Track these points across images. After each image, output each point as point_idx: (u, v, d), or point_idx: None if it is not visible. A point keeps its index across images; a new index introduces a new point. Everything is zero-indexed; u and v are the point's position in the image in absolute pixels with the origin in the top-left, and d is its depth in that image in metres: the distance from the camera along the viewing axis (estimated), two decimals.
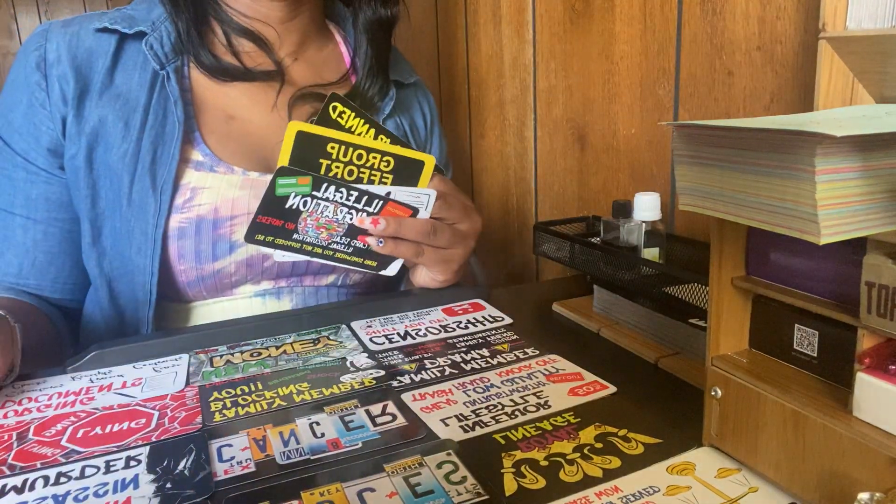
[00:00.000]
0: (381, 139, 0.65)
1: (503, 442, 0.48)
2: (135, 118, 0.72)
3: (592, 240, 0.80)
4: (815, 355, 0.41)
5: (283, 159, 0.61)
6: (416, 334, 0.68)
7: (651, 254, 0.73)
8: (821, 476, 0.37)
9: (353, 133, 0.63)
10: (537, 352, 0.63)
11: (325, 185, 0.62)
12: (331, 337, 0.68)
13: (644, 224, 0.72)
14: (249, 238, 0.63)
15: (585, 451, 0.46)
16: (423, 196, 0.65)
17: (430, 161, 0.65)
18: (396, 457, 0.46)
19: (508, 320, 0.72)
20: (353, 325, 0.71)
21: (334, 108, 0.63)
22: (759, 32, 0.71)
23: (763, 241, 0.43)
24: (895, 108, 0.43)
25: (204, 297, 0.76)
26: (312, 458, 0.46)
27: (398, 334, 0.68)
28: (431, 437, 0.48)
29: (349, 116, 0.63)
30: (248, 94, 0.79)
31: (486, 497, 0.41)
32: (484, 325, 0.71)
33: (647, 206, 0.72)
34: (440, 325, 0.70)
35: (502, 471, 0.44)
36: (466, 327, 0.70)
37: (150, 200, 0.70)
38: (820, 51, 0.45)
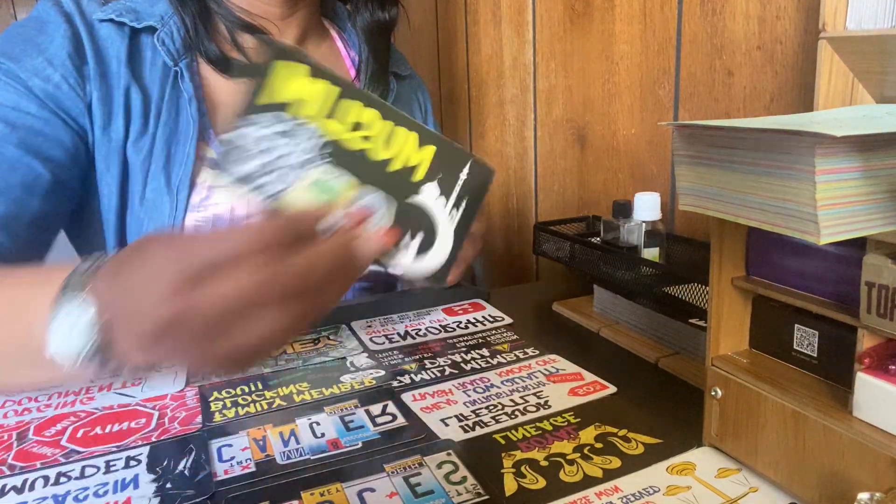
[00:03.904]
0: None
1: (503, 442, 0.48)
2: (150, 114, 0.71)
3: (592, 240, 0.79)
4: (815, 355, 0.41)
5: None
6: (416, 334, 0.68)
7: (651, 254, 0.73)
8: (821, 476, 0.37)
9: None
10: (537, 352, 0.63)
11: None
12: (331, 337, 0.68)
13: (644, 224, 0.72)
14: None
15: (585, 451, 0.46)
16: None
17: None
18: (396, 457, 0.46)
19: (508, 320, 0.72)
20: (353, 325, 0.71)
21: None
22: (759, 32, 0.71)
23: (763, 241, 0.43)
24: (895, 108, 0.43)
25: None
26: (312, 458, 0.46)
27: (398, 334, 0.68)
28: (431, 437, 0.48)
29: None
30: None
31: (486, 497, 0.41)
32: (484, 325, 0.71)
33: (647, 206, 0.72)
34: (440, 325, 0.70)
35: (502, 471, 0.44)
36: (466, 327, 0.70)
37: (165, 199, 0.70)
38: (820, 51, 0.45)
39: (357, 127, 0.40)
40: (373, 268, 0.58)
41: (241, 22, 0.77)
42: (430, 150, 0.42)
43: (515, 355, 0.63)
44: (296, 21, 0.81)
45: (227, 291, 0.33)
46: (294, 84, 0.39)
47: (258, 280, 0.34)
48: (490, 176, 0.45)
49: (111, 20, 0.71)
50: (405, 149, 0.42)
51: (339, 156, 0.40)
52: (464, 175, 0.43)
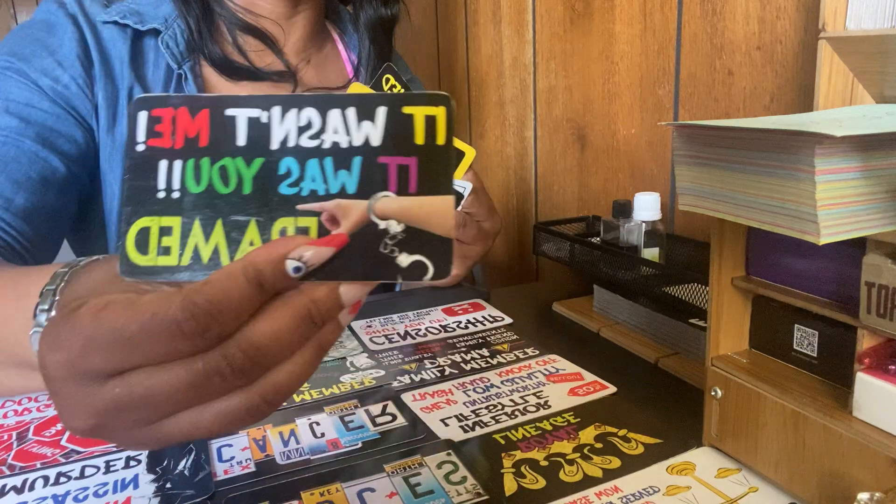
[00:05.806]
0: None
1: (503, 442, 0.48)
2: None
3: (592, 240, 0.79)
4: (815, 355, 0.41)
5: None
6: (416, 334, 0.68)
7: (651, 254, 0.73)
8: (821, 476, 0.37)
9: None
10: (537, 352, 0.63)
11: None
12: None
13: (644, 224, 0.72)
14: None
15: (585, 451, 0.46)
16: (459, 188, 0.64)
17: (470, 153, 0.63)
18: (396, 457, 0.46)
19: (508, 320, 0.72)
20: (353, 325, 0.71)
21: (387, 80, 0.62)
22: (759, 32, 0.71)
23: (763, 241, 0.43)
24: (895, 108, 0.43)
25: None
26: (312, 458, 0.46)
27: (398, 334, 0.68)
28: (431, 437, 0.48)
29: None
30: None
31: (486, 497, 0.41)
32: (484, 325, 0.71)
33: (647, 206, 0.72)
34: (440, 325, 0.70)
35: (502, 471, 0.44)
36: (466, 327, 0.70)
37: None
38: (820, 51, 0.45)
39: None
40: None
41: (243, 24, 0.77)
42: None
43: (515, 355, 0.63)
44: (300, 22, 0.81)
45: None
46: None
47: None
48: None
49: (115, 22, 0.72)
50: None
51: None
52: None
